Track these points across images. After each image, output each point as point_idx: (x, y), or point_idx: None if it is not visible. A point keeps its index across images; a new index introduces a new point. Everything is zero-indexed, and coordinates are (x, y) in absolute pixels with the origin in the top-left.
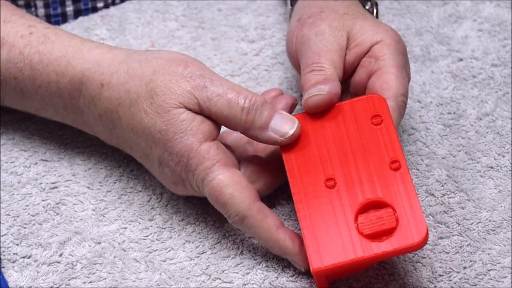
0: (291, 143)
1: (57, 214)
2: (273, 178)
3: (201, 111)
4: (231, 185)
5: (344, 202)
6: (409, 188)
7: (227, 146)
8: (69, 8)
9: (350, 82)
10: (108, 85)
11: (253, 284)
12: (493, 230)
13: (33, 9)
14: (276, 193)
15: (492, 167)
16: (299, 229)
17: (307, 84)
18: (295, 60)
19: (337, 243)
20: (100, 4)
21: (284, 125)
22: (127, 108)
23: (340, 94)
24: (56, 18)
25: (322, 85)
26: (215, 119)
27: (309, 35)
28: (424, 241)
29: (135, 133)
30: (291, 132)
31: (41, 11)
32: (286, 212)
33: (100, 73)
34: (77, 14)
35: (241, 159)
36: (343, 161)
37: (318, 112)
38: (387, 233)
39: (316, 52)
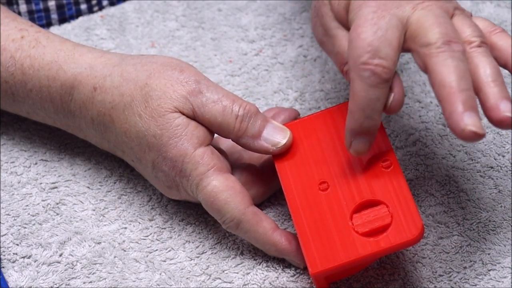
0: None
1: (57, 214)
2: (266, 187)
3: (194, 117)
4: (225, 191)
5: (338, 203)
6: (402, 184)
7: (221, 151)
8: (51, 3)
9: None
10: (101, 88)
11: (253, 284)
12: (493, 230)
13: (15, 6)
14: (277, 193)
15: (492, 167)
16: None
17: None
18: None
19: (333, 244)
20: None
21: (277, 135)
22: (121, 111)
23: None
24: (39, 13)
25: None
26: (208, 126)
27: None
28: (421, 234)
29: (128, 137)
30: (283, 142)
31: (23, 7)
32: (286, 212)
33: (93, 76)
34: (60, 8)
35: (235, 167)
36: (334, 164)
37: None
38: (383, 230)
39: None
